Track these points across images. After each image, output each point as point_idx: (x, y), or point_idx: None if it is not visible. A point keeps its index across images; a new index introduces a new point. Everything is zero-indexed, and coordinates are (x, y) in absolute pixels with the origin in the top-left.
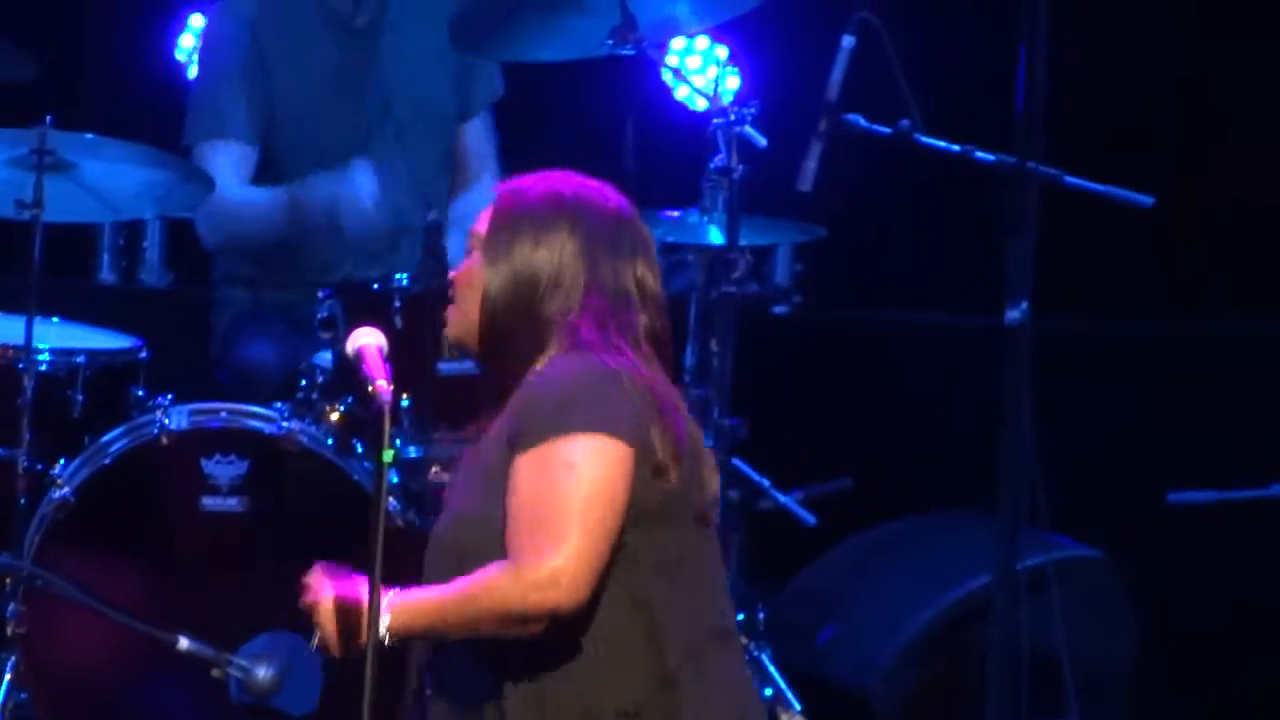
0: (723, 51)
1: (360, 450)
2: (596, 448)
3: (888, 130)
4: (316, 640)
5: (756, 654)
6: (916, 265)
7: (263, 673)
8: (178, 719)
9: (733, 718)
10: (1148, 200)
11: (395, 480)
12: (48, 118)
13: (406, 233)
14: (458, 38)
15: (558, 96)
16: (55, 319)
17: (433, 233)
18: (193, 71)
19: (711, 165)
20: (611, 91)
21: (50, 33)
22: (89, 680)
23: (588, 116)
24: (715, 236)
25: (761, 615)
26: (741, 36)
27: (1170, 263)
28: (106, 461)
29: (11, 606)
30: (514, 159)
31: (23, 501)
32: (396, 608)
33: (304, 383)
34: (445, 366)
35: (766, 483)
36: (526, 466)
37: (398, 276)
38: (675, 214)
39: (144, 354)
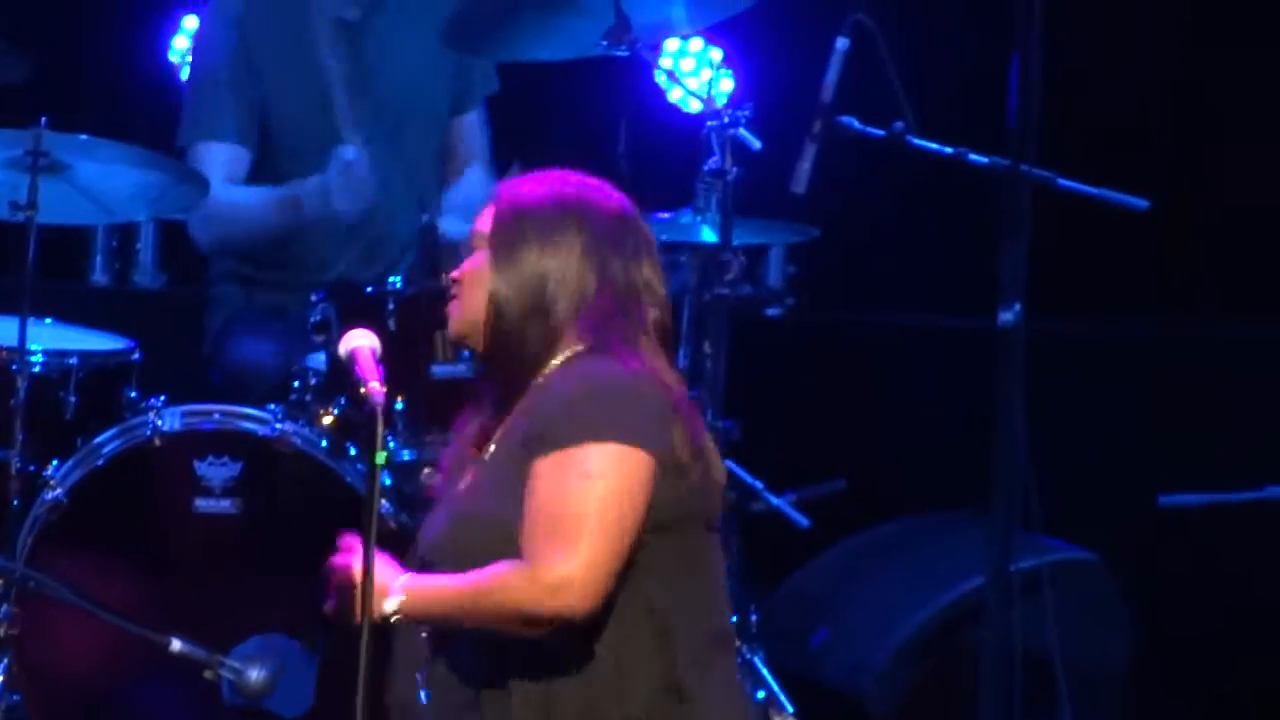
0: (716, 53)
1: (353, 452)
2: (618, 456)
3: (881, 132)
4: (329, 605)
5: (750, 656)
6: (910, 267)
7: (255, 674)
8: None
9: None
10: (1142, 203)
11: (388, 482)
12: (42, 119)
13: (400, 234)
14: (453, 38)
15: (552, 97)
16: (48, 320)
17: (427, 235)
18: (185, 73)
19: (705, 167)
20: (605, 93)
21: (45, 34)
22: (82, 682)
23: (581, 117)
24: (708, 238)
25: (755, 617)
26: (735, 38)
27: (1164, 265)
28: (99, 463)
29: (4, 608)
30: (509, 160)
31: (15, 503)
32: (411, 590)
33: (297, 385)
34: (438, 369)
35: (760, 485)
36: (546, 471)
37: (391, 279)
38: (668, 215)
39: (137, 355)
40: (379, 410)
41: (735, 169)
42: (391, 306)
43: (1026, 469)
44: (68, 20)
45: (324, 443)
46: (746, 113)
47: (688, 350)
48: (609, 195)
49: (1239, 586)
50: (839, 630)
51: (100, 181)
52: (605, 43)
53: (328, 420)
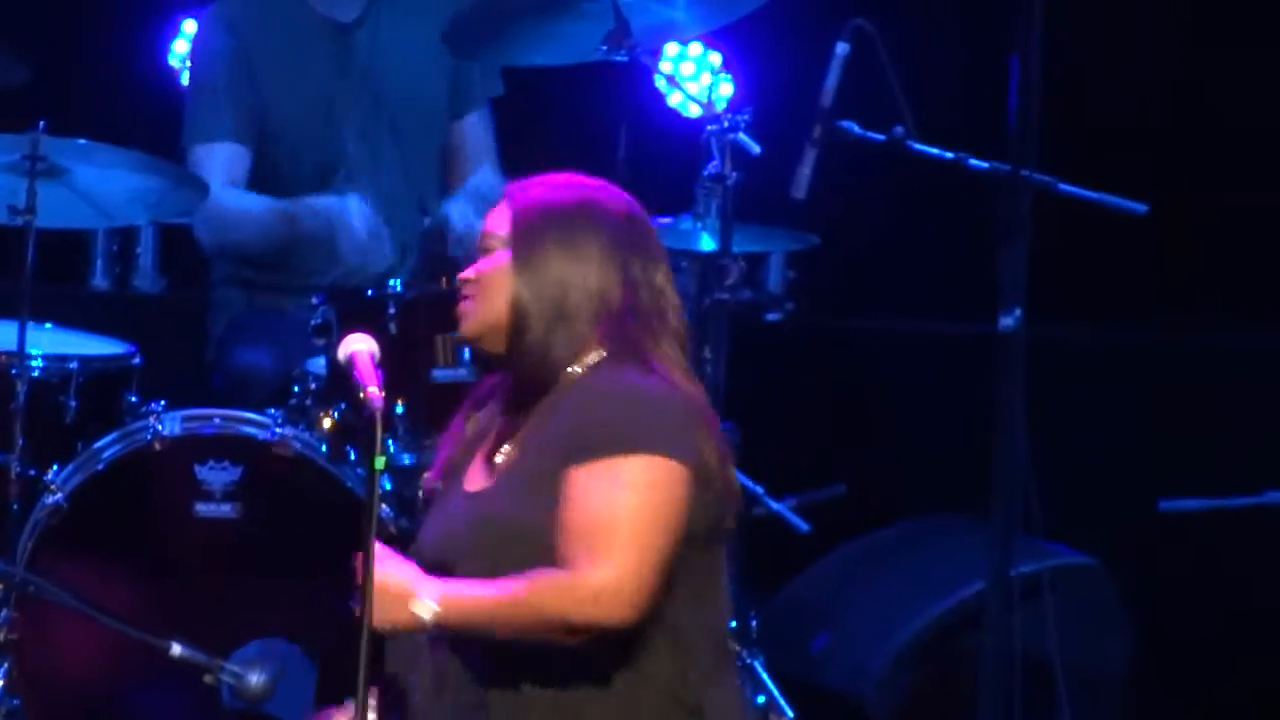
0: (716, 58)
1: (353, 457)
2: (656, 467)
3: (881, 137)
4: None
5: (750, 661)
6: (910, 272)
7: (255, 679)
8: None
9: None
10: (1141, 208)
11: (388, 487)
12: (41, 123)
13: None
14: (453, 42)
15: (551, 102)
16: (48, 325)
17: (429, 238)
18: (186, 77)
19: (705, 172)
20: (605, 97)
21: (44, 38)
22: (82, 687)
23: (581, 122)
24: (708, 243)
25: (755, 622)
26: (735, 43)
27: (1164, 270)
28: (99, 467)
29: (4, 612)
30: (507, 164)
31: (15, 507)
32: (447, 599)
33: (297, 389)
34: (438, 373)
35: (760, 490)
36: (584, 481)
37: (391, 283)
38: (668, 220)
39: (137, 360)
40: (379, 415)
41: (735, 174)
42: (392, 310)
43: (1027, 474)
44: (66, 24)
45: (324, 447)
46: (746, 117)
47: (688, 355)
48: (622, 198)
49: (1239, 592)
50: (839, 635)
51: (99, 185)
52: (605, 47)
53: (328, 425)
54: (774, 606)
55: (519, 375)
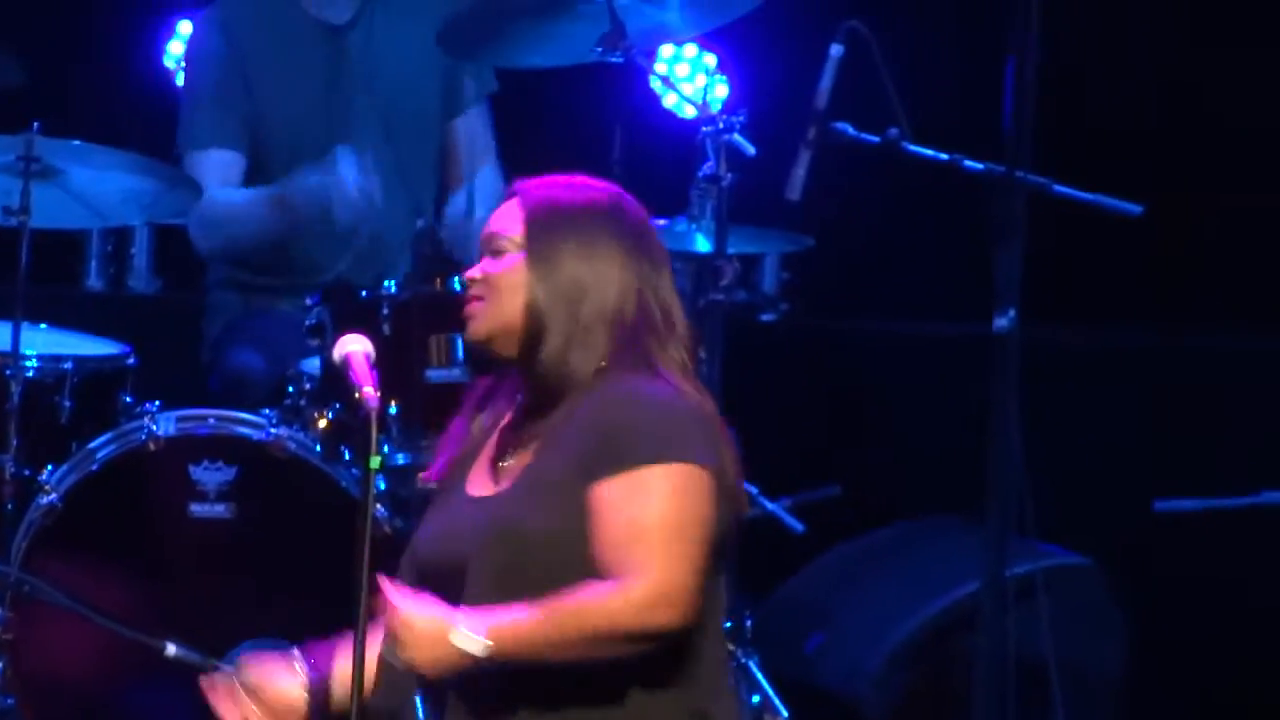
0: (711, 59)
1: (348, 457)
2: (688, 475)
3: (876, 139)
4: (398, 653)
5: (745, 661)
6: (905, 273)
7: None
8: None
9: None
10: (1136, 209)
11: (382, 487)
12: (35, 124)
13: (395, 238)
14: (447, 43)
15: (546, 103)
16: (43, 325)
17: (423, 240)
18: (180, 79)
19: (700, 173)
20: (600, 99)
21: (39, 39)
22: (76, 686)
23: (576, 123)
24: (703, 244)
25: (749, 622)
26: (730, 44)
27: (1159, 271)
28: (94, 468)
29: None
30: (502, 165)
31: (10, 507)
32: (495, 629)
33: (292, 389)
34: (433, 374)
35: (755, 490)
36: (619, 492)
37: (386, 283)
38: (663, 222)
39: (132, 360)
40: (373, 415)
41: (730, 175)
42: (386, 311)
43: (1021, 475)
44: (62, 25)
45: (318, 447)
46: (741, 119)
47: (695, 360)
48: (632, 202)
49: (1234, 592)
50: (834, 635)
51: (94, 186)
52: (600, 49)
53: (322, 425)
54: (769, 606)
55: (531, 379)
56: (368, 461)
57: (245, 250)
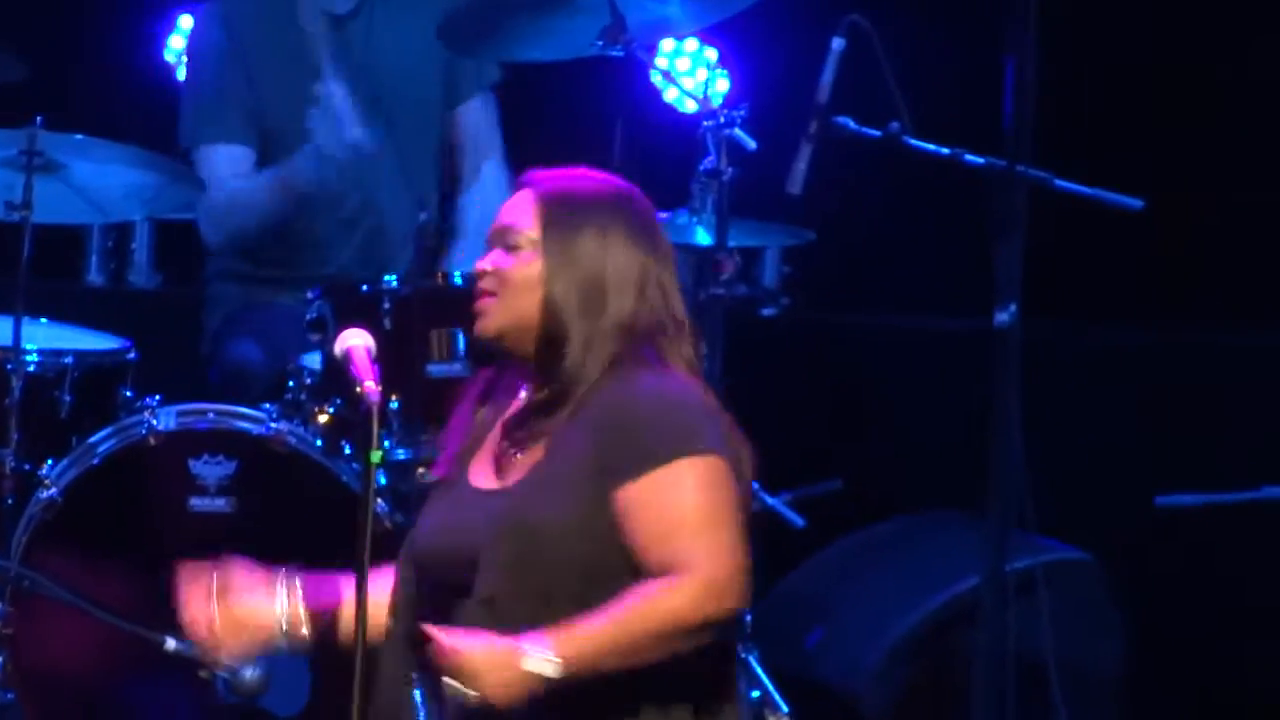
0: (712, 53)
1: (348, 451)
2: (714, 466)
3: (877, 133)
4: (466, 693)
5: (744, 656)
6: (905, 268)
7: (249, 673)
8: (165, 719)
9: None
10: (1137, 203)
11: (383, 481)
12: (38, 119)
13: (398, 229)
14: (448, 37)
15: (547, 97)
16: (43, 320)
17: (425, 234)
18: (182, 74)
19: (701, 167)
20: (601, 93)
21: (40, 34)
22: (77, 681)
23: (577, 117)
24: (704, 238)
25: (749, 617)
26: (731, 38)
27: (1160, 266)
28: (94, 462)
29: None
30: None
31: (10, 501)
32: (562, 647)
33: (292, 384)
34: (434, 368)
35: (755, 485)
36: (652, 491)
37: (387, 278)
38: (664, 216)
39: (132, 355)
40: (374, 409)
41: (731, 169)
42: (387, 305)
43: (1022, 469)
44: (63, 20)
45: (319, 442)
46: (742, 113)
47: (698, 355)
48: (640, 194)
49: (1234, 587)
50: (834, 630)
51: (95, 181)
52: (601, 43)
53: (323, 419)
54: (769, 601)
55: (544, 375)
56: (368, 456)
57: (253, 238)
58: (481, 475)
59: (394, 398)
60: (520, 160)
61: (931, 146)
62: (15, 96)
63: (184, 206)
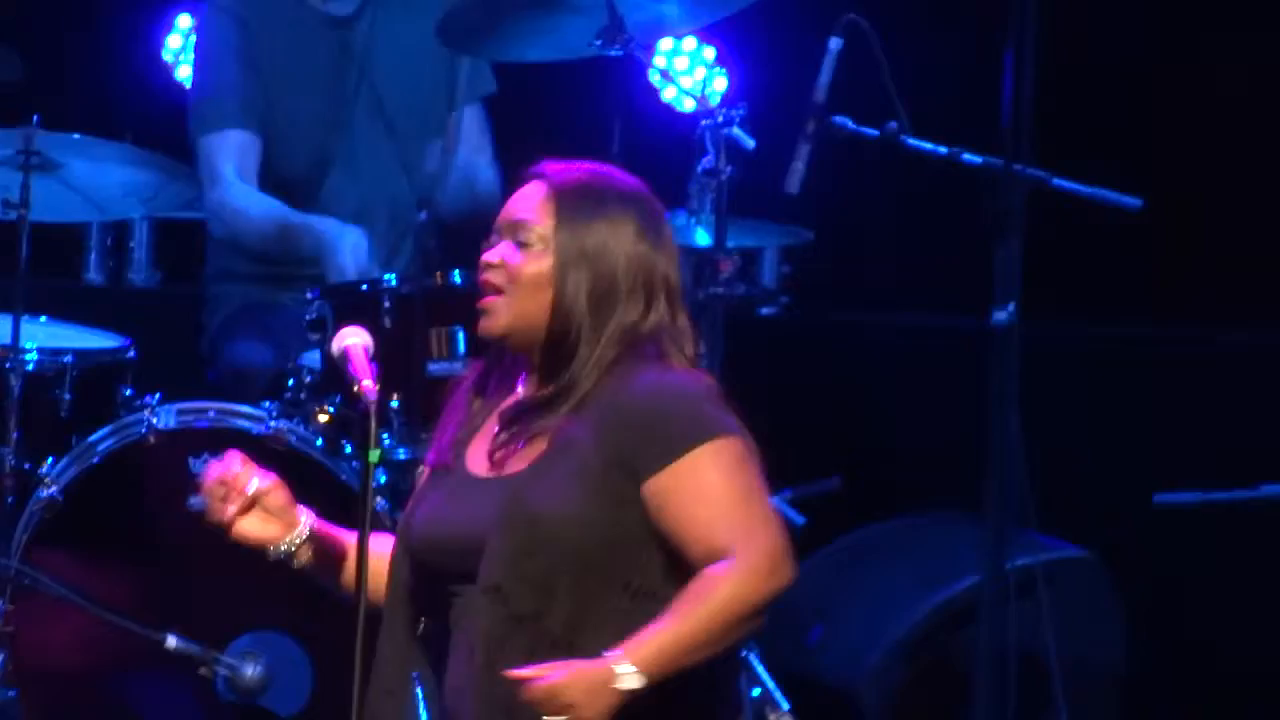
0: (710, 53)
1: (348, 450)
2: (734, 447)
3: (875, 132)
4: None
5: (744, 654)
6: (904, 267)
7: (250, 671)
8: (165, 717)
9: None
10: (1135, 202)
11: (383, 480)
12: (35, 118)
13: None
14: (446, 37)
15: (545, 97)
16: (43, 318)
17: (425, 233)
18: (180, 72)
19: (699, 167)
20: (599, 92)
21: (38, 33)
22: (77, 679)
23: (575, 117)
24: (702, 238)
25: None
26: (729, 38)
27: (1158, 264)
28: (94, 461)
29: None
30: (500, 159)
31: (10, 500)
32: (642, 657)
33: (292, 382)
34: (433, 366)
35: None
36: (680, 482)
37: (386, 276)
38: None
39: (132, 353)
40: (373, 408)
41: (729, 169)
42: (387, 304)
43: (1021, 468)
44: (60, 18)
45: (318, 441)
46: (740, 112)
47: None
48: (648, 191)
49: (1234, 585)
50: (834, 628)
51: (93, 180)
52: (599, 42)
53: (322, 418)
54: None
55: (547, 372)
56: (368, 455)
57: (249, 251)
58: (478, 465)
59: (394, 396)
60: (519, 161)
61: (930, 146)
62: (12, 96)
63: (183, 205)
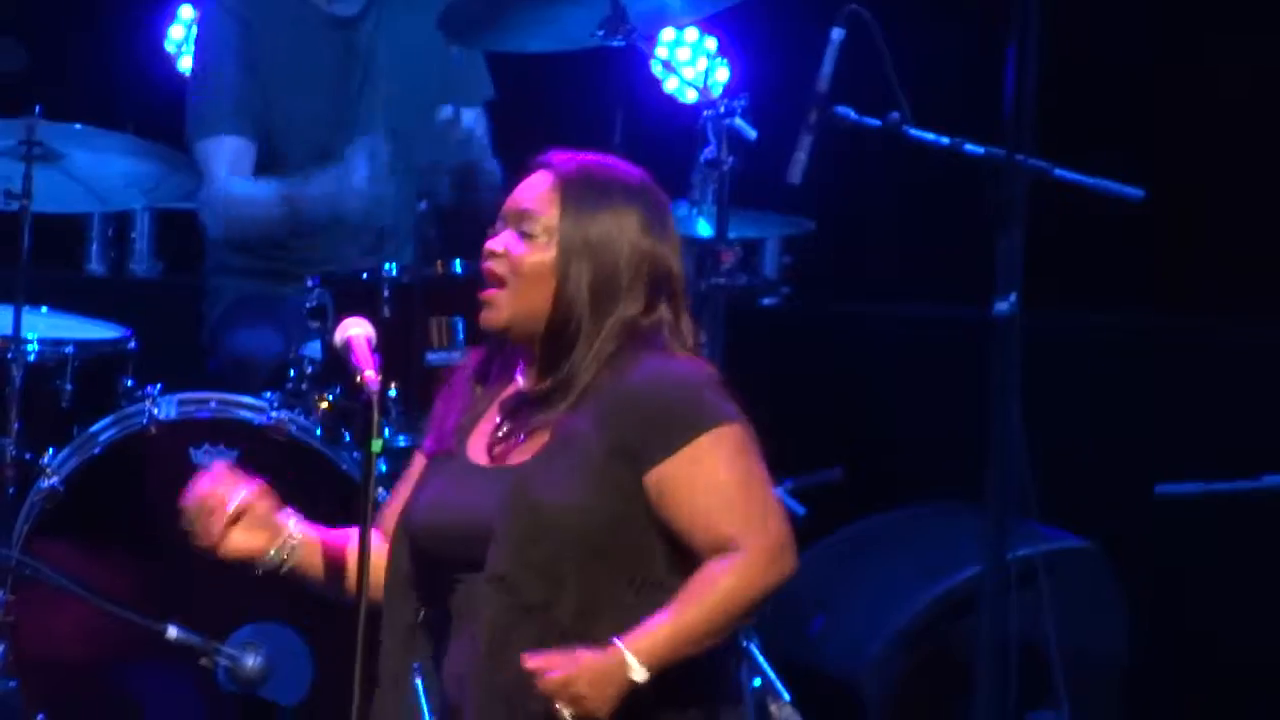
0: (712, 43)
1: (349, 440)
2: (736, 434)
3: (877, 123)
4: (569, 713)
5: (745, 644)
6: (906, 257)
7: (251, 662)
8: (166, 708)
9: None
10: (1137, 192)
11: (383, 470)
12: (37, 108)
13: (401, 229)
14: (448, 28)
15: (547, 88)
16: (44, 309)
17: (425, 223)
18: (183, 63)
19: (701, 157)
20: (601, 83)
21: (41, 24)
22: (77, 669)
23: (577, 108)
24: (704, 229)
25: None
26: (731, 28)
27: (1161, 254)
28: (95, 451)
29: (0, 596)
30: (503, 151)
31: (11, 491)
32: (645, 651)
33: (293, 373)
34: (433, 356)
35: None
36: (685, 470)
37: (386, 266)
38: None
39: (133, 344)
40: (374, 398)
41: (731, 159)
42: (387, 294)
43: (1023, 458)
44: (63, 10)
45: (319, 430)
46: (742, 102)
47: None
48: (655, 184)
49: (1235, 575)
50: (835, 618)
51: (95, 170)
52: (601, 33)
53: (324, 408)
54: None
55: (547, 363)
56: (369, 445)
57: (252, 242)
58: (480, 453)
59: (394, 386)
60: (521, 152)
61: (932, 136)
62: (15, 86)
63: (184, 196)
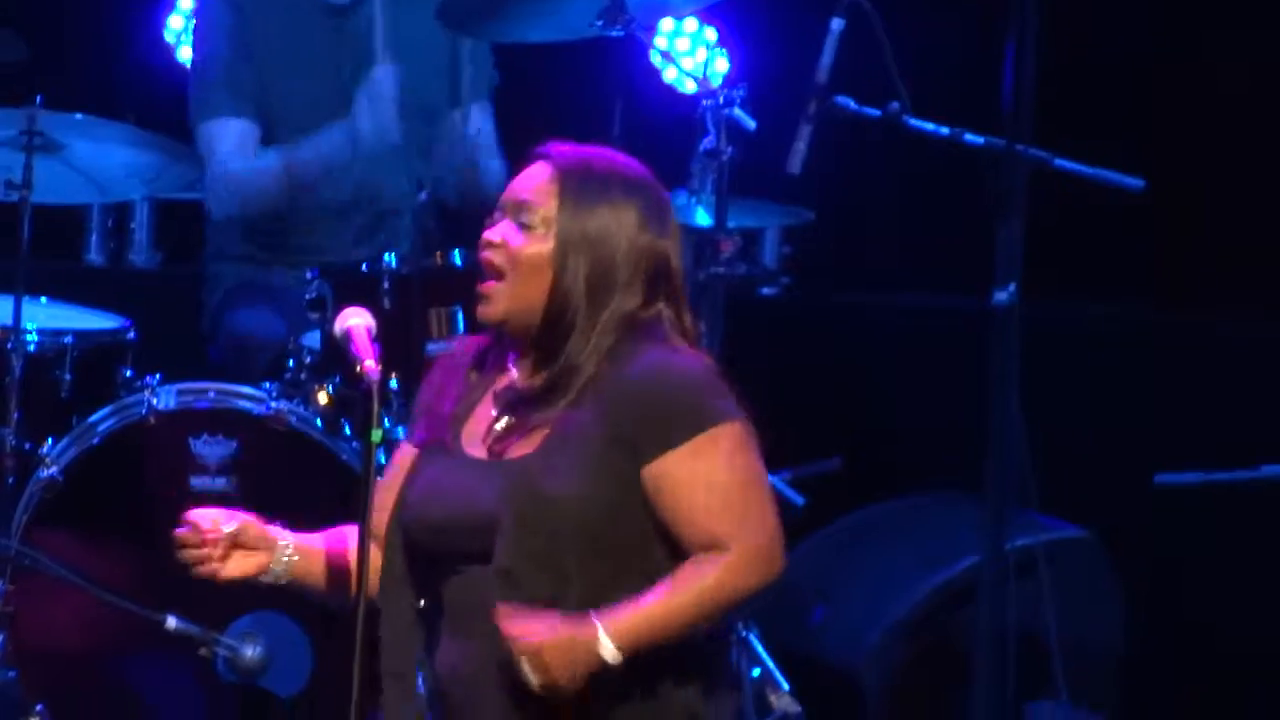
0: (712, 33)
1: (348, 431)
2: (736, 432)
3: (877, 113)
4: (535, 680)
5: (745, 634)
6: (905, 247)
7: (250, 652)
8: (165, 698)
9: None
10: (1137, 183)
11: (383, 460)
12: (37, 98)
13: (398, 219)
14: (447, 18)
15: (546, 78)
16: (43, 299)
17: (424, 213)
18: (182, 53)
19: (700, 147)
20: (600, 73)
21: (40, 13)
22: (77, 659)
23: (576, 98)
24: (704, 218)
25: None
26: (730, 18)
27: (1160, 245)
28: (95, 441)
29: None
30: (503, 143)
31: (11, 481)
32: (620, 632)
33: (292, 363)
34: (433, 347)
35: None
36: (682, 466)
37: (386, 257)
38: None
39: (132, 334)
40: (374, 388)
41: (730, 149)
42: (387, 285)
43: (1022, 448)
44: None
45: (319, 421)
46: (742, 93)
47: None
48: (651, 175)
49: (1234, 565)
50: (834, 608)
51: (95, 160)
52: (600, 23)
53: (323, 398)
54: None
55: (543, 355)
56: (368, 435)
57: (255, 217)
58: (475, 445)
59: (394, 376)
60: (520, 143)
61: (931, 126)
62: (15, 76)
63: (185, 186)
